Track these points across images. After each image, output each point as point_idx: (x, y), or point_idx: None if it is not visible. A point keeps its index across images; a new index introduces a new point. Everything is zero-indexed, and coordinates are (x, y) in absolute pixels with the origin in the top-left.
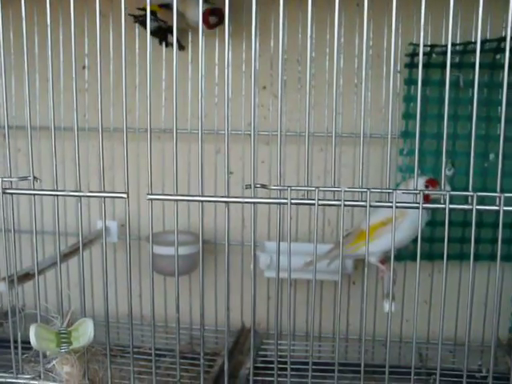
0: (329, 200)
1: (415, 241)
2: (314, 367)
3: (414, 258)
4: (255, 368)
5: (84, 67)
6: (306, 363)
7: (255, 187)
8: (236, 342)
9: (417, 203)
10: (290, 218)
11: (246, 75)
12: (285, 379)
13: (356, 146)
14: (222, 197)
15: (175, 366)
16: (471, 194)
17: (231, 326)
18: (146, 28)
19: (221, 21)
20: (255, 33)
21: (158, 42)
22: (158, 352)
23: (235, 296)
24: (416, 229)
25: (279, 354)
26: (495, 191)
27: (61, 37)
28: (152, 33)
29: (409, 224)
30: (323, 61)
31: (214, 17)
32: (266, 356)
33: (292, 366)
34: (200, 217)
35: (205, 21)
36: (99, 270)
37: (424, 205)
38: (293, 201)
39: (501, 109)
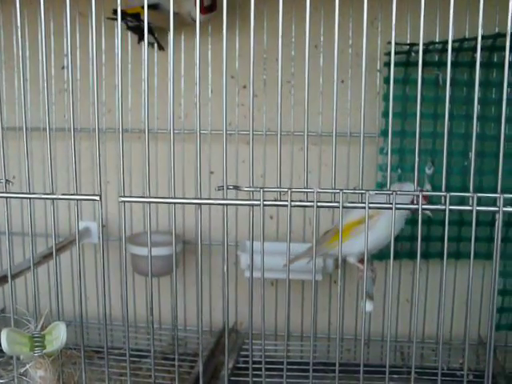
0: (301, 201)
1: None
2: (295, 367)
3: (396, 257)
4: (237, 368)
5: (63, 67)
6: (288, 363)
7: (228, 189)
8: (217, 342)
9: (389, 204)
10: (263, 219)
11: (226, 74)
12: (267, 379)
13: (337, 145)
14: (196, 198)
15: (157, 367)
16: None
17: (213, 327)
18: (128, 27)
19: (214, 5)
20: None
21: (136, 41)
22: (140, 353)
23: (217, 296)
24: (395, 229)
25: (260, 353)
26: (474, 190)
27: (39, 37)
28: (131, 29)
29: (385, 223)
30: (303, 59)
31: None
32: (247, 356)
33: (272, 366)
34: (173, 219)
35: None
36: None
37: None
38: (265, 202)
39: (480, 107)
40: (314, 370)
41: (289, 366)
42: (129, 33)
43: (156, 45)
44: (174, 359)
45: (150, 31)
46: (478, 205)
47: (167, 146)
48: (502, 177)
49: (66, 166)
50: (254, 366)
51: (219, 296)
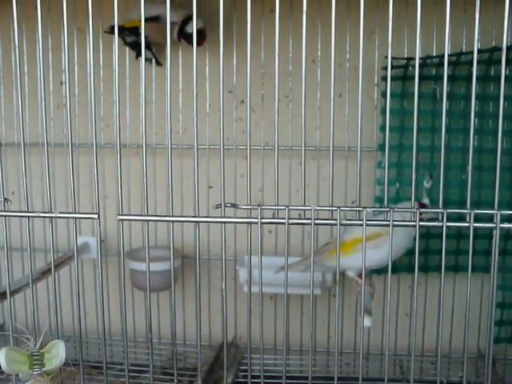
0: (299, 219)
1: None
2: (294, 381)
3: (394, 271)
4: (237, 383)
5: (61, 83)
6: (288, 377)
7: (225, 206)
8: (217, 356)
9: (387, 222)
10: (260, 237)
11: (224, 89)
12: None
13: (335, 159)
14: (193, 216)
15: (157, 382)
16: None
17: (212, 341)
18: (125, 43)
19: (203, 38)
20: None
21: (134, 57)
22: (139, 368)
23: (216, 311)
24: (401, 248)
25: (259, 368)
26: (472, 204)
27: (37, 52)
28: (128, 45)
29: (394, 241)
30: (300, 74)
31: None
32: (247, 371)
33: (272, 381)
34: (171, 237)
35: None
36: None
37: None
38: (263, 220)
39: (478, 121)
40: None
41: (288, 381)
42: (127, 48)
43: (154, 60)
44: (173, 374)
45: (148, 47)
46: (477, 219)
47: (165, 161)
48: (500, 190)
49: (65, 180)
50: (253, 380)
51: (218, 310)
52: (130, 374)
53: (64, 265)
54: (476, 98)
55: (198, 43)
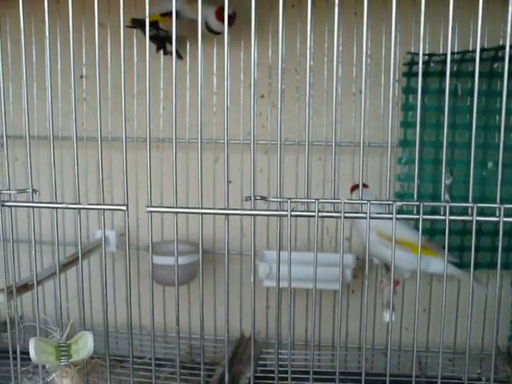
0: (329, 212)
1: None
2: (313, 376)
3: None
4: (255, 378)
5: (82, 76)
6: (306, 372)
7: (255, 199)
8: (235, 351)
9: (416, 216)
10: (289, 230)
11: (245, 84)
12: None
13: (355, 155)
14: (222, 209)
15: (175, 375)
16: (471, 205)
17: (230, 336)
18: (145, 34)
19: (233, 19)
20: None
21: (155, 51)
22: (157, 362)
23: (234, 305)
24: None
25: (279, 363)
26: (494, 200)
27: (58, 46)
28: (150, 38)
29: None
30: (322, 70)
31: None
32: (265, 365)
33: (292, 376)
34: (200, 229)
35: (220, 17)
36: (98, 280)
37: (424, 216)
38: (293, 213)
39: (499, 117)
40: (331, 380)
41: (307, 376)
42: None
43: (174, 54)
44: (191, 368)
45: (169, 40)
46: (492, 215)
47: (185, 156)
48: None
49: (83, 174)
50: (272, 375)
51: (237, 305)
52: (148, 367)
53: (84, 258)
54: (498, 95)
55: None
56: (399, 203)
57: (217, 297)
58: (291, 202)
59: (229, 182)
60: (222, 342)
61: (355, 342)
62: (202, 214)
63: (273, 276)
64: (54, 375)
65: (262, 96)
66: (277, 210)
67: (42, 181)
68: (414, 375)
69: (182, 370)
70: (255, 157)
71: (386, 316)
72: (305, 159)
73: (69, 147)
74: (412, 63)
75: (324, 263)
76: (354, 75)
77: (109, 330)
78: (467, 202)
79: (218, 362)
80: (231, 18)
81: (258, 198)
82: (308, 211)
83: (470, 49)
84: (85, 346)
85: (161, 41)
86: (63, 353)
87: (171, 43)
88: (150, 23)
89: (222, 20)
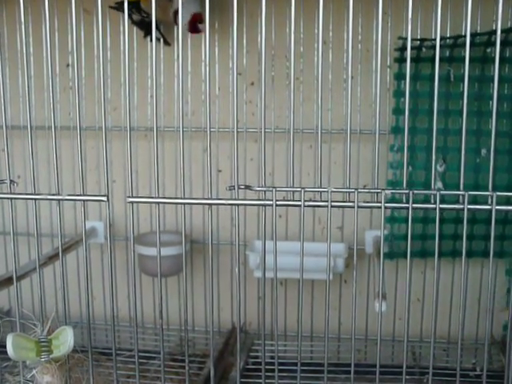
0: (315, 201)
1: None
2: (305, 368)
3: (406, 256)
4: (246, 370)
5: (68, 65)
6: (297, 364)
7: (239, 188)
8: (226, 343)
9: (406, 204)
10: (275, 219)
11: (234, 72)
12: (276, 381)
13: (346, 142)
14: (205, 199)
15: (166, 368)
16: (462, 193)
17: (222, 327)
18: (133, 22)
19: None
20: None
21: (142, 37)
22: (147, 354)
23: (225, 296)
24: None
25: (271, 354)
26: (488, 187)
27: (43, 33)
28: (136, 24)
29: None
30: (312, 56)
31: (201, 24)
32: (257, 357)
33: (283, 367)
34: (182, 220)
35: (190, 28)
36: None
37: (414, 205)
38: (278, 202)
39: (492, 103)
40: (323, 371)
41: (300, 367)
42: (134, 28)
43: (162, 40)
44: (182, 360)
45: (156, 26)
46: (485, 203)
47: (174, 144)
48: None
49: (71, 164)
50: (265, 367)
51: (228, 296)
52: (139, 360)
53: (71, 250)
54: (491, 80)
55: (193, 31)
56: (388, 191)
57: (207, 288)
58: (276, 191)
59: (218, 171)
60: (214, 334)
61: (348, 333)
62: (184, 204)
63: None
64: (34, 371)
65: (252, 83)
66: (261, 200)
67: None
68: (404, 366)
69: (172, 363)
70: (237, 146)
71: (377, 305)
72: (289, 147)
73: (58, 137)
74: (404, 49)
75: (315, 253)
76: (345, 61)
77: (99, 323)
78: (460, 189)
79: (209, 354)
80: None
81: (243, 187)
82: (293, 200)
83: (463, 33)
84: (65, 341)
85: (147, 26)
86: (44, 348)
87: (158, 29)
88: (132, 3)
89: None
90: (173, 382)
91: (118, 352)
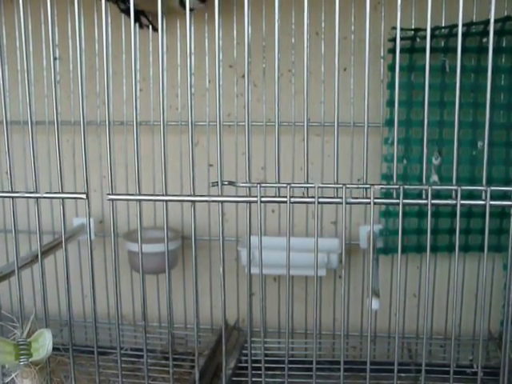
0: (302, 197)
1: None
2: (298, 365)
3: (402, 251)
4: (240, 368)
5: (56, 58)
6: (292, 361)
7: (223, 185)
8: (219, 340)
9: (397, 200)
10: (260, 216)
11: (224, 64)
12: (270, 379)
13: (339, 135)
14: (188, 196)
15: (155, 367)
16: (455, 187)
17: (214, 324)
18: (121, 10)
19: None
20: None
21: (130, 26)
22: (139, 353)
23: (218, 293)
24: None
25: (265, 352)
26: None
27: (30, 27)
28: (124, 12)
29: None
30: (303, 47)
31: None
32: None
33: (274, 365)
34: (164, 217)
35: None
36: (76, 269)
37: (404, 200)
38: (263, 199)
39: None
40: (319, 369)
41: (293, 365)
42: (122, 19)
43: (151, 27)
44: (174, 359)
45: (144, 14)
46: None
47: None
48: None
49: (49, 161)
50: (256, 365)
51: (220, 293)
52: (129, 358)
53: (60, 247)
54: (486, 71)
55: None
56: (377, 186)
57: (199, 284)
58: (261, 187)
59: (209, 165)
60: (205, 331)
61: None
62: (167, 201)
63: (255, 263)
64: (13, 375)
65: (243, 76)
66: (246, 196)
67: (17, 167)
68: (396, 363)
69: (163, 361)
70: (221, 140)
71: (373, 303)
72: (275, 141)
73: (41, 133)
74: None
75: (309, 248)
76: (337, 52)
77: (87, 320)
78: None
79: (201, 352)
80: None
81: (226, 183)
82: (279, 197)
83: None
84: (44, 344)
85: (135, 14)
86: (23, 352)
87: (146, 16)
88: None
89: None
90: (165, 380)
91: (110, 351)
